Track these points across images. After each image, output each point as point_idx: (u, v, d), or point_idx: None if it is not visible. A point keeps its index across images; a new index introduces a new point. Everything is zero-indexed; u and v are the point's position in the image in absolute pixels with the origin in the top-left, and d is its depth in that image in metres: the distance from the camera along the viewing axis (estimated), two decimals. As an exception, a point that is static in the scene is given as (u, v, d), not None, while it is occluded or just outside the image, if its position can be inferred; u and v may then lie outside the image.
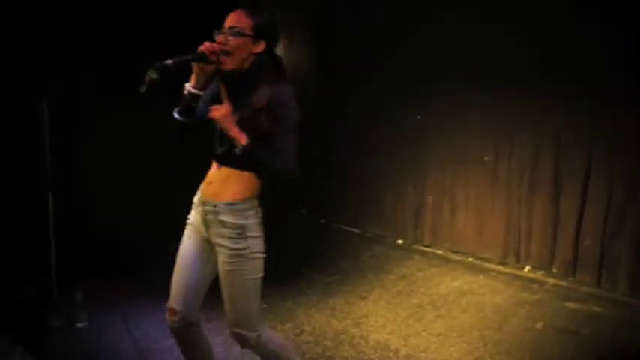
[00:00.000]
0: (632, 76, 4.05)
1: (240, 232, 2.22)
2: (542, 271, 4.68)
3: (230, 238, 2.23)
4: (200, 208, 2.31)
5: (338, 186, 5.93)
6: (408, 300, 4.17)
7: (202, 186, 2.36)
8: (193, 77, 2.17)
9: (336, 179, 5.94)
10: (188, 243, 2.38)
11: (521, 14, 4.45)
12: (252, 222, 2.26)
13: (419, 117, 5.25)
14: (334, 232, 5.79)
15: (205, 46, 2.12)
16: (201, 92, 2.19)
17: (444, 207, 5.24)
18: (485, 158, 4.91)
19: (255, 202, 2.28)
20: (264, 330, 2.38)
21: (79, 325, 3.57)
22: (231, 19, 2.20)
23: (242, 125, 2.14)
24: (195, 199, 2.37)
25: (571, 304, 4.12)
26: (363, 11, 5.38)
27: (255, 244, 2.26)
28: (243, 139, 2.11)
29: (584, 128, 4.38)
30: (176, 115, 2.21)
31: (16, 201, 3.95)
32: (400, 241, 5.50)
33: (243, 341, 2.33)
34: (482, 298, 4.23)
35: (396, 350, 3.43)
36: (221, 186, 2.26)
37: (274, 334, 2.46)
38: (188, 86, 2.18)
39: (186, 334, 2.42)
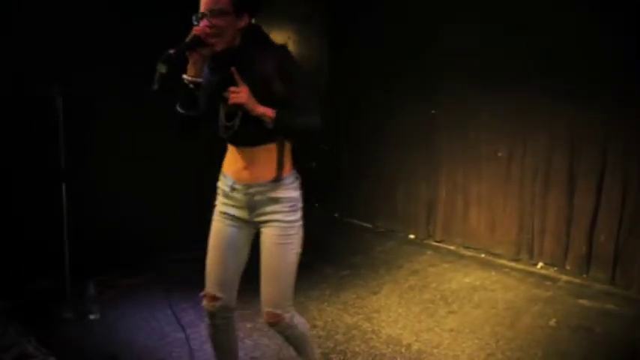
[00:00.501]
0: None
1: (293, 204, 2.30)
2: (556, 268, 4.64)
3: (283, 212, 2.28)
4: (242, 193, 2.31)
5: (351, 181, 5.93)
6: (420, 295, 4.16)
7: (232, 172, 2.34)
8: (190, 66, 2.16)
9: (348, 174, 5.94)
10: (224, 230, 2.38)
11: (540, 12, 4.41)
12: (300, 193, 2.35)
13: (433, 112, 5.23)
14: (347, 227, 5.79)
15: (196, 30, 2.11)
16: (201, 80, 2.17)
17: (456, 203, 5.22)
18: (499, 154, 4.87)
19: (297, 174, 2.35)
20: (294, 312, 2.41)
21: (91, 317, 3.60)
22: (209, 1, 2.14)
23: (258, 99, 2.13)
24: (226, 186, 2.37)
25: (584, 302, 4.09)
26: (376, 9, 5.36)
27: (301, 216, 2.34)
28: (269, 112, 2.12)
29: (599, 126, 4.33)
30: (180, 109, 2.20)
31: (29, 193, 3.97)
32: (412, 237, 5.48)
33: (277, 322, 2.34)
34: (494, 294, 4.20)
35: (408, 345, 3.42)
36: (257, 166, 2.27)
37: (301, 318, 2.47)
38: (187, 77, 2.16)
39: (223, 320, 2.45)
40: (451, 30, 4.93)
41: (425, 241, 5.37)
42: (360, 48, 5.63)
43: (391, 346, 3.41)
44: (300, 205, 2.34)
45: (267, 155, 2.26)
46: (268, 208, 2.28)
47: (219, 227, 2.40)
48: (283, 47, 2.26)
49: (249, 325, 3.56)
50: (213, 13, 2.12)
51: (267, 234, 2.30)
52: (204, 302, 2.42)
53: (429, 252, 5.11)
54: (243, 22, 2.19)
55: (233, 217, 2.37)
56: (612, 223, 4.32)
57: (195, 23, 2.14)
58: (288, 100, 2.15)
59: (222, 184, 2.39)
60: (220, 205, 2.41)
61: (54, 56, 3.94)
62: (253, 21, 2.27)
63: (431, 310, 3.91)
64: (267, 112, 2.12)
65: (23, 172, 3.96)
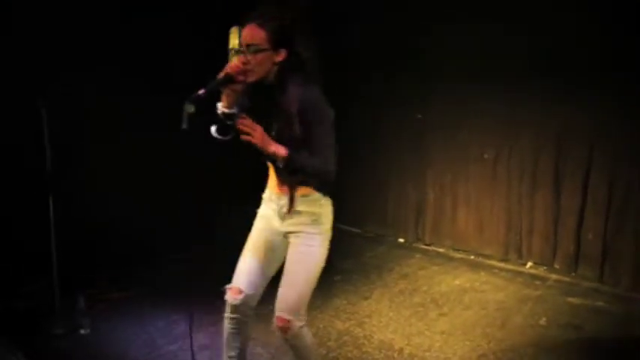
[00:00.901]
0: (632, 75, 4.07)
1: (316, 218, 2.41)
2: (545, 267, 4.68)
3: (307, 224, 2.41)
4: (275, 203, 2.46)
5: (338, 186, 5.91)
6: (411, 299, 4.17)
7: (270, 183, 2.51)
8: (224, 98, 2.23)
9: (336, 180, 5.92)
10: (260, 233, 2.53)
11: (521, 14, 4.45)
12: (327, 211, 2.48)
13: (419, 116, 5.24)
14: (336, 233, 5.73)
15: (231, 67, 2.15)
16: (234, 110, 2.24)
17: (444, 205, 5.24)
18: (485, 155, 4.91)
19: (327, 193, 2.48)
20: (306, 324, 2.48)
21: (82, 331, 3.55)
22: (246, 37, 2.19)
23: (280, 134, 2.23)
24: (266, 195, 2.54)
25: (574, 300, 4.13)
26: (363, 12, 5.37)
27: (327, 230, 2.49)
28: (281, 152, 2.19)
29: (585, 126, 4.38)
30: (215, 134, 2.32)
31: (16, 205, 3.94)
32: (401, 240, 5.50)
33: (287, 329, 2.39)
34: (484, 295, 4.23)
35: (400, 350, 3.42)
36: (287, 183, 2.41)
37: (309, 330, 2.53)
38: (221, 107, 2.25)
39: (243, 317, 2.52)
40: (437, 34, 4.94)
41: (414, 245, 5.38)
42: (348, 52, 5.64)
43: (383, 351, 3.42)
44: (325, 220, 2.48)
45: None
46: (295, 220, 2.42)
47: (256, 228, 2.56)
48: (311, 89, 2.27)
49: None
50: (250, 49, 2.18)
51: (292, 243, 2.44)
52: (228, 295, 2.50)
53: (419, 255, 5.12)
54: (279, 57, 2.24)
55: (269, 223, 2.51)
56: (599, 221, 4.36)
57: (232, 58, 2.20)
58: (305, 142, 2.22)
59: (266, 191, 2.55)
60: (261, 208, 2.57)
61: (44, 55, 3.94)
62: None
63: (421, 314, 3.92)
64: (279, 151, 2.19)
65: (9, 183, 3.93)
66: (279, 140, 2.21)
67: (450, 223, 5.22)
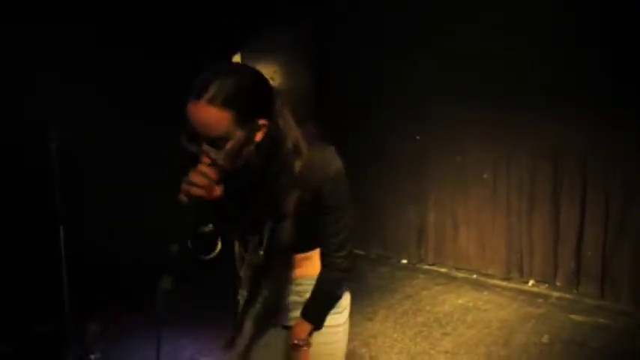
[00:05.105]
0: (627, 90, 4.15)
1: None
2: (546, 285, 4.72)
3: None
4: None
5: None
6: (415, 319, 4.21)
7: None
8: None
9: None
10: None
11: (517, 33, 4.54)
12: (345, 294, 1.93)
13: (418, 137, 5.33)
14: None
15: (196, 186, 1.44)
16: (210, 227, 1.59)
17: (446, 225, 5.30)
18: (485, 175, 4.98)
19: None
20: None
21: (92, 357, 3.58)
22: (203, 126, 1.42)
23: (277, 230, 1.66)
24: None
25: (576, 317, 4.17)
26: (361, 35, 5.47)
27: (347, 313, 1.89)
28: (306, 329, 1.76)
29: (581, 143, 4.46)
30: (202, 257, 1.68)
31: (27, 236, 4.00)
32: (404, 261, 5.55)
33: None
34: (487, 314, 4.27)
35: (405, 369, 3.47)
36: None
37: None
38: (199, 226, 1.58)
39: None
40: (433, 56, 5.01)
41: (417, 265, 5.44)
42: (347, 76, 5.72)
43: (389, 370, 3.46)
44: (345, 303, 1.86)
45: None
46: None
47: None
48: (325, 161, 1.66)
49: None
50: (211, 140, 1.44)
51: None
52: None
53: (422, 276, 5.17)
54: (259, 134, 1.51)
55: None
56: (598, 237, 4.42)
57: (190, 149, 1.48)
58: (320, 225, 1.71)
59: None
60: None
61: (48, 94, 4.01)
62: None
63: (425, 333, 3.97)
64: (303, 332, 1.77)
65: (20, 214, 3.99)
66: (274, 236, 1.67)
67: (452, 243, 5.28)
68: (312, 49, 6.11)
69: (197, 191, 1.44)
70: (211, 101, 1.40)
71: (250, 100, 1.46)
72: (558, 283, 4.68)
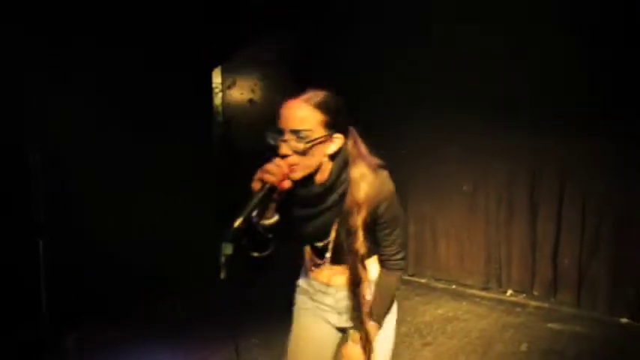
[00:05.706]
0: (604, 102, 4.25)
1: None
2: (524, 295, 4.79)
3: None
4: (332, 296, 2.08)
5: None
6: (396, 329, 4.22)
7: (321, 275, 2.08)
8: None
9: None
10: (308, 332, 2.18)
11: (497, 48, 4.60)
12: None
13: (404, 152, 5.34)
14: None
15: (272, 173, 1.64)
16: (276, 217, 1.75)
17: (425, 237, 5.34)
18: (464, 187, 5.04)
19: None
20: None
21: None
22: (293, 118, 1.71)
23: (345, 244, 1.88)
24: (307, 285, 2.16)
25: (554, 325, 4.23)
26: (343, 50, 5.47)
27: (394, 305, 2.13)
28: (374, 328, 1.98)
29: (557, 153, 4.55)
30: (254, 254, 1.78)
31: (5, 249, 3.94)
32: (384, 272, 5.55)
33: None
34: (467, 324, 4.31)
35: (386, 380, 3.46)
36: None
37: None
38: (264, 222, 1.73)
39: None
40: (413, 70, 5.07)
41: (397, 276, 5.43)
42: (328, 90, 5.72)
43: (370, 381, 3.46)
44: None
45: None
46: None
47: (302, 327, 2.24)
48: (378, 180, 1.88)
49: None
50: (298, 135, 1.70)
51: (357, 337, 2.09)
52: None
53: (402, 286, 5.18)
54: (334, 147, 1.78)
55: (321, 317, 2.19)
56: (574, 247, 4.51)
57: (271, 141, 1.72)
58: (378, 236, 1.93)
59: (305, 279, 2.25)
60: (302, 301, 2.24)
61: (28, 107, 3.97)
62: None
63: (407, 344, 3.98)
64: (373, 329, 1.98)
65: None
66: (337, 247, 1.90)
67: (432, 254, 5.32)
68: (291, 62, 6.14)
69: (270, 178, 1.63)
70: (307, 101, 1.73)
71: (335, 112, 1.77)
72: (536, 293, 4.74)
